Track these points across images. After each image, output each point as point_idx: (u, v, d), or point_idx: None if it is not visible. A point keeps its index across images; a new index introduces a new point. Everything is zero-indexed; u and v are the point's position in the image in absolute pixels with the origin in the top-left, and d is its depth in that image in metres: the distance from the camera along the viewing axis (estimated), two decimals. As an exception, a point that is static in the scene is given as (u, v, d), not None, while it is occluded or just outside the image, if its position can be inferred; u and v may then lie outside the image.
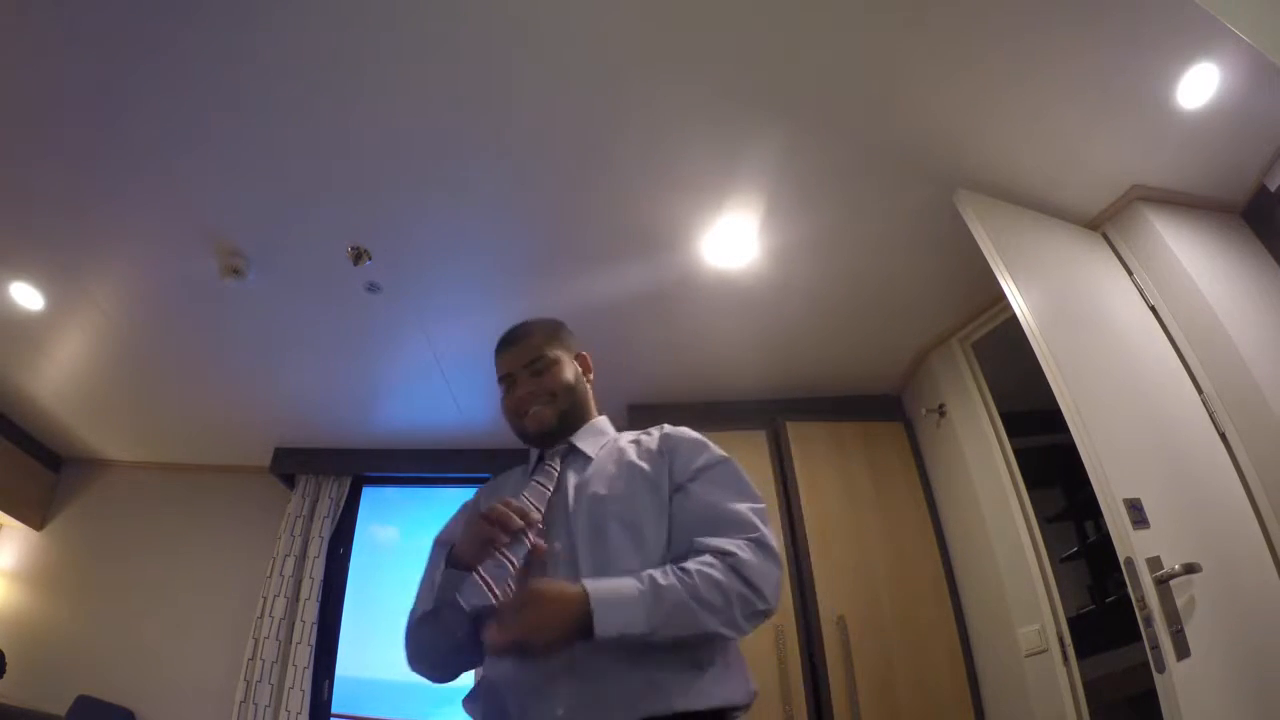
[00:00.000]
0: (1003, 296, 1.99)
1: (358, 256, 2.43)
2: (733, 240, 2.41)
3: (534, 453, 1.28)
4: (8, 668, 3.04)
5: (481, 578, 0.95)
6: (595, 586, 0.93)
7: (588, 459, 1.22)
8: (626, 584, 0.95)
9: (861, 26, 1.79)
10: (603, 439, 1.27)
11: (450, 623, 1.04)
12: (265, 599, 3.33)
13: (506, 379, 1.28)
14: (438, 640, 1.10)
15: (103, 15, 1.71)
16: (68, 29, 1.74)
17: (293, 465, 3.63)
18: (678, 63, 1.88)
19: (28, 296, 2.63)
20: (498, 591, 0.93)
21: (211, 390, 3.22)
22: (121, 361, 3.03)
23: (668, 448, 1.20)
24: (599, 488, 1.14)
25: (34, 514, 3.55)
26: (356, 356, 3.03)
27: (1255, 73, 1.82)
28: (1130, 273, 2.17)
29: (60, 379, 3.15)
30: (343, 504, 3.62)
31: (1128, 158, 2.13)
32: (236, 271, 2.43)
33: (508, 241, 2.48)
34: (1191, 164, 2.14)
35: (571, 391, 1.26)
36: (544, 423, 1.23)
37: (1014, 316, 1.92)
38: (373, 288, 2.59)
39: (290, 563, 3.40)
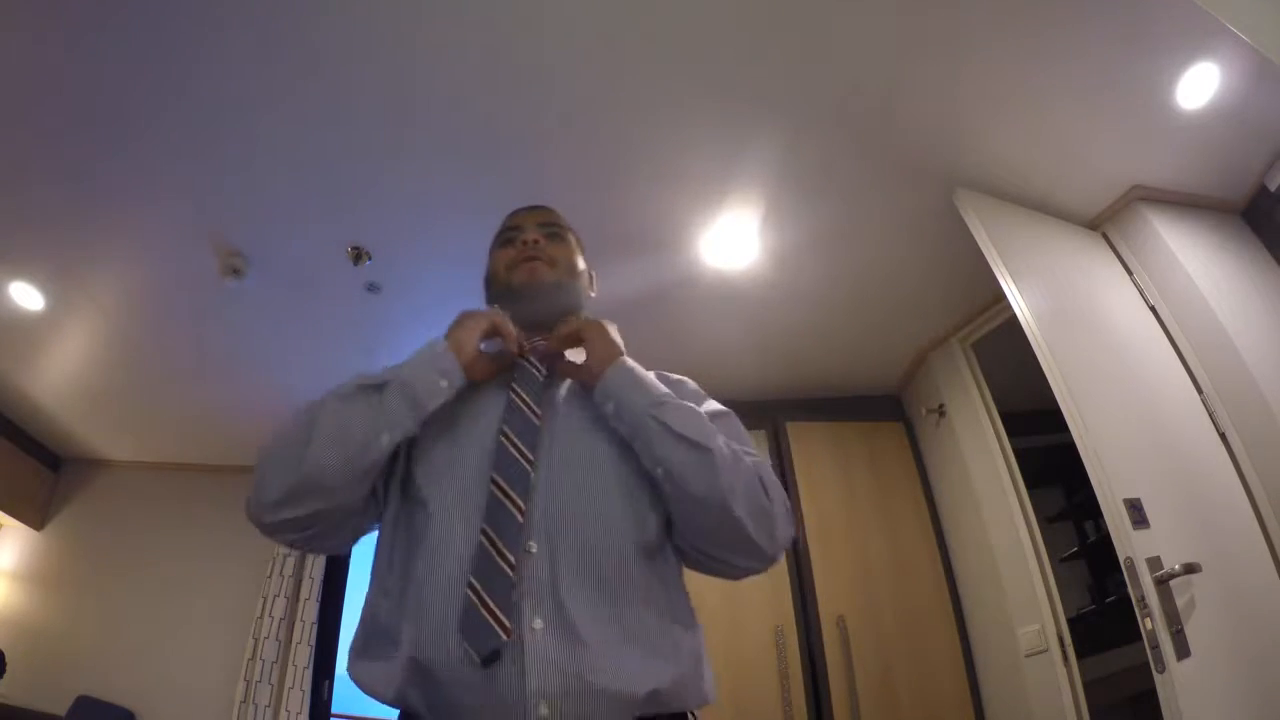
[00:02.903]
0: (1003, 296, 1.99)
1: (358, 256, 2.43)
2: (733, 240, 2.41)
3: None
4: (8, 668, 3.03)
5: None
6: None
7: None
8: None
9: (862, 27, 1.79)
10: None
11: (393, 415, 0.85)
12: (265, 599, 3.33)
13: (511, 231, 1.13)
14: (363, 427, 0.84)
15: (104, 17, 1.71)
16: (69, 30, 1.74)
17: (293, 465, 3.62)
18: (679, 62, 1.88)
19: (28, 296, 2.62)
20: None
21: (211, 390, 3.21)
22: (121, 361, 3.02)
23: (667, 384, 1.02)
24: (585, 408, 0.96)
25: (34, 514, 3.55)
26: (357, 357, 3.02)
27: (1255, 73, 1.82)
28: (1130, 273, 2.17)
29: (60, 379, 3.15)
30: (343, 504, 3.62)
31: (1127, 157, 2.13)
32: (236, 271, 2.43)
33: (508, 241, 2.47)
34: (1191, 164, 2.14)
35: (576, 274, 1.11)
36: (538, 277, 1.05)
37: (1014, 316, 1.92)
38: (373, 288, 2.58)
39: (290, 562, 3.40)
